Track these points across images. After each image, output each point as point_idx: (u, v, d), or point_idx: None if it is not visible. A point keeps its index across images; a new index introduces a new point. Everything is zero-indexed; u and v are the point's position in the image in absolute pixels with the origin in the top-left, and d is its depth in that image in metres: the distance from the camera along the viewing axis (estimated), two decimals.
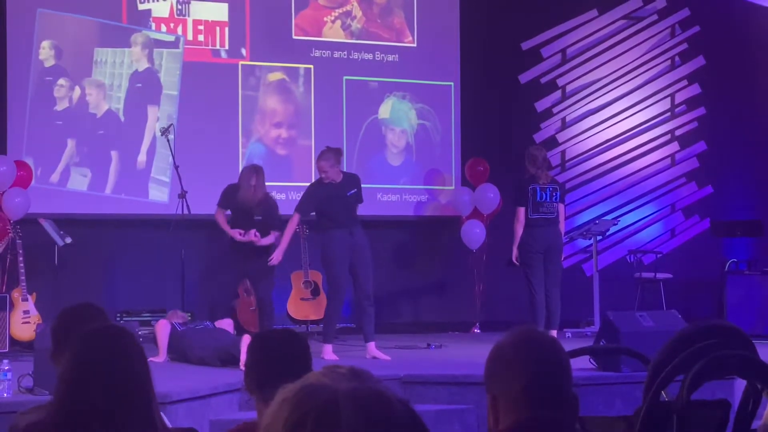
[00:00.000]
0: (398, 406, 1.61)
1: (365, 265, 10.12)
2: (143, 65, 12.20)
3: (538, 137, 13.75)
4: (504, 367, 2.73)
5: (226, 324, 10.03)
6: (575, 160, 14.04)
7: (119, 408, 2.96)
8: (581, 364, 8.64)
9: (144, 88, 12.17)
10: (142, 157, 12.11)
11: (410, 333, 10.21)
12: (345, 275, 10.07)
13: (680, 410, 3.88)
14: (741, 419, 4.24)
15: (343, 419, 1.57)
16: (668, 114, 14.36)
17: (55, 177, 11.86)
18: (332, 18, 12.95)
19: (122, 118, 12.08)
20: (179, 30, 12.31)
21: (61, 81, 11.93)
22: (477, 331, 12.32)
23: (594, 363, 8.90)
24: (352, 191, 10.29)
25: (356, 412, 1.58)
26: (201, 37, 12.39)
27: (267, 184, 12.30)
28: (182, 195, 10.75)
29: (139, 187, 12.09)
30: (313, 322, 12.04)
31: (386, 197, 12.65)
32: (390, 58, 13.14)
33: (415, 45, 13.26)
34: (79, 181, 11.93)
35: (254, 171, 10.47)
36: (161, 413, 3.32)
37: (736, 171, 14.27)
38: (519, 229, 11.06)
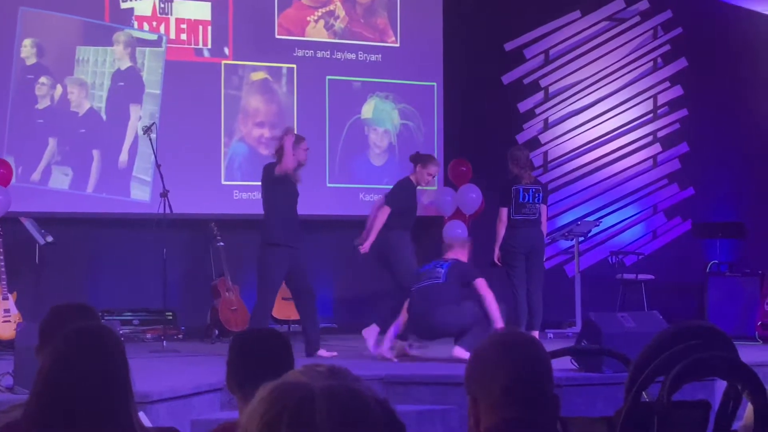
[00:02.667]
0: (375, 404, 1.61)
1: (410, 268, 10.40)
2: (125, 64, 12.17)
3: (521, 138, 13.76)
4: (485, 368, 2.72)
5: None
6: (558, 161, 14.05)
7: (96, 407, 2.95)
8: (563, 365, 8.65)
9: (126, 86, 12.14)
10: (123, 156, 12.08)
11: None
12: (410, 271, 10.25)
13: (661, 411, 3.89)
14: (721, 420, 4.24)
15: (318, 416, 1.57)
16: (650, 115, 14.39)
17: (36, 176, 11.82)
18: (315, 18, 12.94)
19: (104, 117, 12.05)
20: (162, 29, 12.28)
21: (43, 79, 11.89)
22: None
23: (575, 364, 8.91)
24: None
25: (331, 409, 1.57)
26: (184, 36, 12.37)
27: (249, 183, 12.35)
28: (164, 194, 10.72)
29: (121, 186, 12.06)
30: (294, 322, 12.02)
31: (369, 197, 12.64)
32: (373, 58, 13.13)
33: (398, 45, 13.26)
34: (61, 179, 11.89)
35: None
36: (142, 413, 3.31)
37: (718, 173, 14.30)
38: (501, 230, 11.08)
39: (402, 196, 10.58)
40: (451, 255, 10.00)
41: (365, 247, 10.42)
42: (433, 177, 10.70)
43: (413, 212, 10.64)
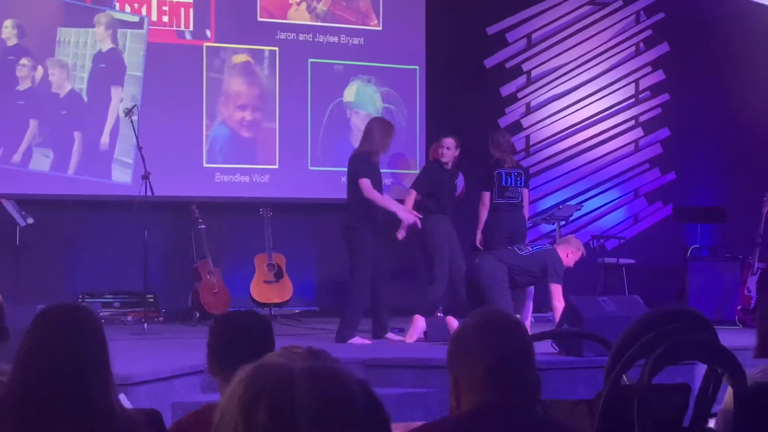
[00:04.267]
0: (354, 384, 1.61)
1: (456, 256, 10.47)
2: (107, 46, 12.12)
3: (503, 122, 13.77)
4: (466, 349, 2.72)
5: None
6: (539, 145, 14.06)
7: (74, 386, 2.94)
8: (544, 349, 8.67)
9: (107, 68, 12.10)
10: (105, 138, 12.04)
11: (366, 318, 10.20)
12: (446, 255, 10.37)
13: (641, 394, 3.90)
14: (701, 404, 4.26)
15: (298, 396, 1.57)
16: (632, 100, 14.41)
17: (17, 157, 11.77)
18: (298, 0, 12.90)
19: (85, 99, 12.01)
20: (143, 10, 12.23)
21: (24, 61, 11.83)
22: (440, 315, 12.32)
23: (556, 347, 8.94)
24: (456, 180, 10.79)
25: (311, 389, 1.57)
26: (165, 18, 12.32)
27: (230, 166, 12.33)
28: (146, 176, 10.69)
29: (102, 168, 12.02)
30: (276, 305, 12.03)
31: None
32: (355, 41, 13.11)
33: (380, 28, 13.23)
34: (42, 161, 11.85)
35: None
36: (122, 395, 3.31)
37: (699, 157, 14.33)
38: (483, 214, 11.11)
39: (425, 177, 10.69)
40: None
41: (401, 234, 10.40)
42: (448, 148, 10.66)
43: (444, 193, 10.63)
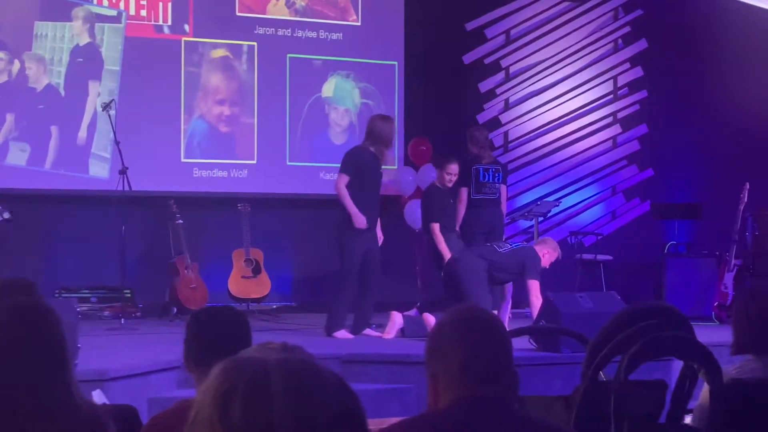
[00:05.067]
0: (329, 377, 1.61)
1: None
2: (84, 40, 12.07)
3: (481, 118, 13.77)
4: (444, 345, 2.72)
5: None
6: (518, 141, 14.08)
7: (31, 384, 2.93)
8: (521, 345, 8.69)
9: (85, 62, 12.05)
10: (82, 133, 12.00)
11: (351, 312, 10.21)
12: None
13: (618, 390, 3.91)
14: (677, 400, 4.27)
15: (273, 388, 1.57)
16: (611, 96, 14.43)
17: None
18: None
19: (62, 93, 11.96)
20: (121, 4, 12.19)
21: (0, 54, 11.78)
22: (413, 313, 12.33)
23: (534, 343, 8.96)
24: (452, 200, 10.94)
25: (285, 382, 1.57)
26: (143, 12, 12.28)
27: (208, 161, 12.31)
28: (123, 171, 10.65)
29: (80, 163, 11.98)
30: (253, 300, 12.02)
31: (329, 176, 12.59)
32: (334, 36, 13.09)
33: (359, 24, 13.22)
34: (18, 156, 11.80)
35: None
36: (98, 391, 3.29)
37: (676, 154, 14.36)
38: (461, 210, 11.12)
39: (435, 206, 10.71)
40: None
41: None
42: (456, 175, 10.73)
43: (450, 212, 10.77)
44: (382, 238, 10.33)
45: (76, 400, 2.99)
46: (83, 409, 3.02)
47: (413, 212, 12.50)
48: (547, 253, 10.08)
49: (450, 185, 10.76)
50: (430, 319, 9.58)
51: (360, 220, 9.93)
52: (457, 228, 11.16)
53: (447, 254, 10.37)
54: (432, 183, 10.93)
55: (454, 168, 10.67)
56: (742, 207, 11.89)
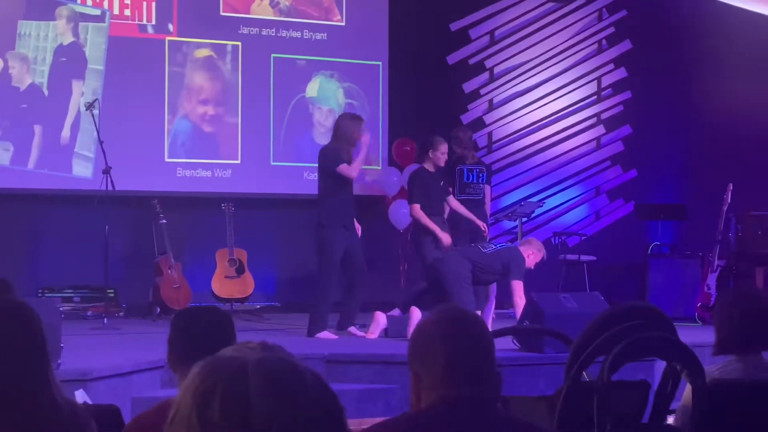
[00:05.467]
0: (308, 376, 1.61)
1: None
2: (68, 39, 12.05)
3: (466, 118, 13.78)
4: (427, 345, 2.72)
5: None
6: (502, 141, 14.09)
7: (12, 385, 2.92)
8: (505, 345, 8.69)
9: (69, 62, 12.02)
10: (66, 132, 11.97)
11: (335, 312, 10.21)
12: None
13: (601, 390, 3.91)
14: (660, 400, 4.28)
15: (252, 386, 1.57)
16: (594, 97, 14.46)
17: None
18: None
19: (46, 93, 11.93)
20: (105, 4, 12.16)
21: None
22: (396, 313, 12.33)
23: (517, 343, 8.96)
24: (443, 183, 10.75)
25: (265, 379, 1.57)
26: (127, 12, 12.25)
27: (192, 161, 12.29)
28: (106, 171, 10.62)
29: (63, 162, 11.95)
30: (237, 300, 12.01)
31: (313, 176, 12.53)
32: (318, 36, 13.09)
33: (343, 24, 13.22)
34: (1, 155, 11.77)
35: None
36: (81, 390, 3.28)
37: (660, 155, 14.39)
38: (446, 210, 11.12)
39: (419, 189, 10.67)
40: None
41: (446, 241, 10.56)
42: (444, 155, 10.68)
43: (436, 196, 10.66)
44: (360, 230, 10.33)
45: (56, 400, 2.98)
46: (63, 408, 3.02)
47: (397, 212, 12.51)
48: (532, 254, 10.09)
49: (443, 164, 10.72)
50: (417, 314, 9.57)
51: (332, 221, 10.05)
52: None
53: (436, 230, 10.38)
54: (420, 166, 10.85)
55: (445, 147, 10.67)
56: (725, 208, 11.91)
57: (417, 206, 10.51)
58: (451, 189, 11.13)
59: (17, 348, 2.96)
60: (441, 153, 10.61)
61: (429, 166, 10.63)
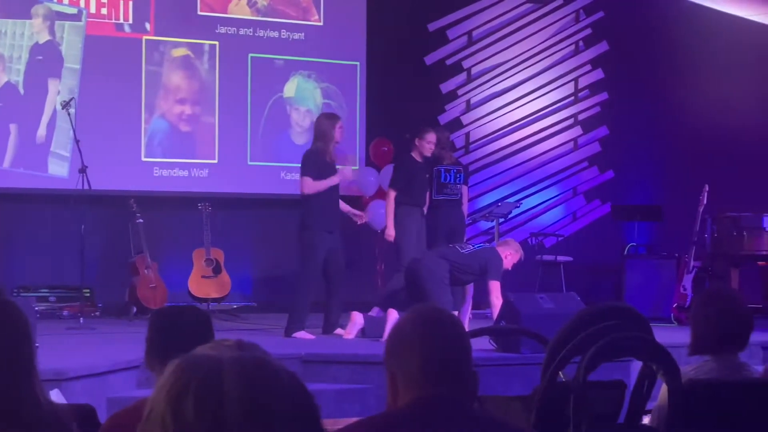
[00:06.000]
0: (283, 375, 1.61)
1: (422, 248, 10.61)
2: (44, 37, 12.00)
3: (443, 119, 13.79)
4: (403, 344, 2.72)
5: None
6: (479, 142, 14.10)
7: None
8: (481, 345, 8.70)
9: (45, 60, 11.98)
10: (42, 131, 11.92)
11: (313, 312, 10.20)
12: (412, 250, 10.50)
13: (577, 391, 3.92)
14: (636, 400, 4.29)
15: (227, 387, 1.56)
16: (572, 98, 14.48)
17: None
18: None
19: (22, 91, 11.88)
20: (82, 2, 12.12)
21: None
22: (375, 314, 12.32)
23: (493, 344, 8.97)
24: (427, 175, 10.82)
25: (239, 380, 1.57)
26: (104, 10, 12.21)
27: (169, 160, 12.26)
28: (83, 170, 10.59)
29: (39, 161, 11.90)
30: (214, 300, 11.99)
31: (290, 176, 12.58)
32: (296, 36, 13.07)
33: (321, 24, 13.21)
34: None
35: None
36: (56, 390, 3.27)
37: (637, 156, 14.43)
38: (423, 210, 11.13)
39: (401, 174, 10.72)
40: None
41: (388, 235, 10.68)
42: (430, 144, 10.71)
43: (419, 186, 10.68)
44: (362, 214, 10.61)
45: (40, 401, 2.97)
46: (45, 409, 3.00)
47: (375, 212, 12.50)
48: (510, 254, 10.10)
49: (429, 154, 10.75)
50: (394, 315, 9.57)
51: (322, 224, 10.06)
52: None
53: (389, 224, 10.56)
54: (408, 154, 10.90)
55: (432, 136, 10.71)
56: (701, 209, 11.95)
57: (393, 193, 10.59)
58: (428, 189, 11.14)
59: (3, 348, 2.95)
60: (427, 142, 10.66)
61: (416, 155, 10.70)
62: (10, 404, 2.90)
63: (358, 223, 10.91)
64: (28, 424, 2.92)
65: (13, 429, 2.89)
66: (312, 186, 10.02)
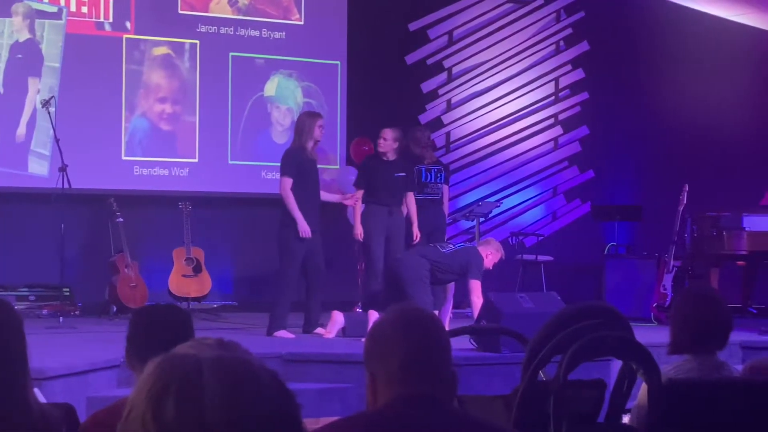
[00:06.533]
0: (263, 374, 1.60)
1: (396, 249, 10.50)
2: (24, 36, 11.96)
3: (424, 118, 13.80)
4: (382, 344, 2.72)
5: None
6: (460, 141, 14.12)
7: None
8: (461, 345, 8.71)
9: (25, 59, 11.94)
10: (21, 130, 11.88)
11: (293, 311, 10.20)
12: (380, 249, 10.47)
13: (557, 390, 3.92)
14: (616, 399, 4.30)
15: (206, 385, 1.56)
16: (552, 98, 14.51)
17: None
18: None
19: (1, 90, 11.83)
20: (62, 1, 12.09)
21: None
22: (359, 310, 12.33)
23: (474, 343, 8.98)
24: (400, 174, 10.63)
25: (220, 378, 1.56)
26: (84, 9, 12.18)
27: (149, 159, 12.24)
28: (63, 169, 10.57)
29: (18, 160, 11.87)
30: (194, 299, 11.97)
31: (271, 175, 12.57)
32: (277, 35, 13.06)
33: (302, 23, 13.20)
34: None
35: None
36: (36, 390, 3.26)
37: (617, 156, 14.47)
38: (403, 210, 11.11)
39: (361, 173, 10.76)
40: None
41: (355, 234, 10.68)
42: (385, 139, 10.67)
43: (382, 185, 10.62)
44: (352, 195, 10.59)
45: (29, 402, 2.97)
46: (34, 410, 3.00)
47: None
48: (491, 254, 10.11)
49: (381, 149, 10.70)
50: (374, 315, 9.58)
51: (305, 229, 9.98)
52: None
53: (356, 224, 10.57)
54: (374, 153, 10.94)
55: (386, 132, 10.67)
56: (681, 209, 11.98)
57: (360, 192, 10.62)
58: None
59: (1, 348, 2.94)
60: (382, 139, 10.64)
61: (382, 154, 10.69)
62: (2, 407, 2.89)
63: (352, 203, 10.82)
64: (18, 425, 2.91)
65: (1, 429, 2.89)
66: (287, 192, 10.05)
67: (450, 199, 12.20)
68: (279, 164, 10.35)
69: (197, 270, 12.01)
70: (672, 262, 11.96)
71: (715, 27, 14.47)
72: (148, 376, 1.59)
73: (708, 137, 14.14)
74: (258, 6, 12.99)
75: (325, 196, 10.66)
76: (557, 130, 14.50)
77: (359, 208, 10.65)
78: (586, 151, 14.50)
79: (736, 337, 6.76)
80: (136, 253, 11.85)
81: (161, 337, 3.61)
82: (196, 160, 12.58)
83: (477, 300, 9.62)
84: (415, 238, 10.62)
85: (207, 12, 12.74)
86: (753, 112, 14.37)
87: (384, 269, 10.27)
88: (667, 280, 11.95)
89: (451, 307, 10.58)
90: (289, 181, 10.06)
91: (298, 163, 10.12)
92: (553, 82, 14.49)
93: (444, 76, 14.08)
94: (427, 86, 13.98)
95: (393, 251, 10.42)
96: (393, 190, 10.65)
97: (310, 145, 10.26)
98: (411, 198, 10.80)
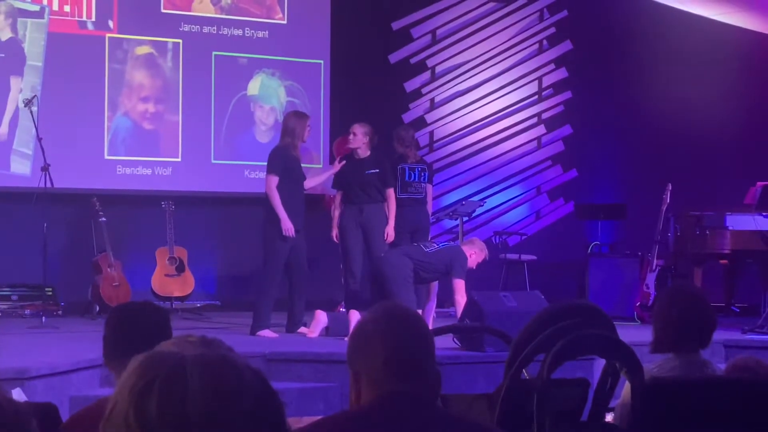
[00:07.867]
0: (247, 372, 1.60)
1: (376, 247, 10.44)
2: (6, 35, 11.92)
3: (407, 117, 13.79)
4: (365, 342, 2.72)
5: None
6: (443, 140, 14.12)
7: None
8: (445, 344, 8.72)
9: (7, 58, 11.90)
10: (3, 129, 11.84)
11: (276, 311, 10.20)
12: (356, 248, 10.43)
13: (540, 389, 3.92)
14: (599, 398, 4.30)
15: (190, 384, 1.55)
16: (535, 97, 14.52)
17: None
18: None
19: None
20: (44, 0, 12.05)
21: None
22: (342, 309, 12.33)
23: (457, 342, 8.99)
24: (373, 171, 10.56)
25: (203, 376, 1.56)
26: (67, 8, 12.15)
27: (132, 158, 12.22)
28: (45, 168, 10.54)
29: (1, 159, 11.82)
30: (177, 298, 11.95)
31: (254, 174, 12.57)
32: (260, 34, 13.04)
33: (285, 22, 13.18)
34: None
35: None
36: (18, 389, 3.25)
37: (600, 155, 14.49)
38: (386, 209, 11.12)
39: (337, 175, 10.74)
40: None
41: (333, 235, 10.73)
42: (354, 135, 10.68)
43: (353, 183, 10.60)
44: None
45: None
46: (4, 406, 2.98)
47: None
48: (475, 253, 10.12)
49: (351, 145, 10.68)
50: (356, 315, 9.58)
51: (288, 227, 9.98)
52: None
53: (333, 225, 10.56)
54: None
55: (355, 128, 10.67)
56: (664, 208, 12.00)
57: (337, 194, 10.63)
58: (392, 188, 11.10)
59: None
60: (352, 134, 10.67)
61: (355, 153, 10.65)
62: None
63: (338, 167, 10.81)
64: None
65: None
66: (273, 191, 10.06)
67: (433, 198, 12.20)
68: (262, 163, 10.36)
69: (180, 269, 11.99)
70: (655, 261, 11.98)
71: (697, 26, 14.49)
72: (130, 374, 1.59)
73: (691, 136, 14.17)
74: (241, 5, 12.97)
75: (313, 181, 10.85)
76: (540, 129, 14.51)
77: (338, 209, 10.65)
78: (570, 150, 14.52)
79: (719, 335, 6.77)
80: (119, 253, 11.83)
81: (137, 335, 3.61)
82: (179, 160, 12.56)
83: (460, 299, 9.63)
84: (386, 238, 10.55)
85: (190, 11, 12.71)
86: (736, 111, 14.40)
87: (370, 267, 10.26)
88: (650, 279, 11.97)
89: (434, 306, 10.58)
90: (275, 179, 10.07)
91: (285, 162, 10.14)
92: (536, 81, 14.50)
93: (427, 75, 14.08)
94: (410, 85, 13.98)
95: (374, 249, 10.38)
96: (365, 187, 10.59)
97: (298, 145, 10.30)
98: (390, 195, 10.74)
